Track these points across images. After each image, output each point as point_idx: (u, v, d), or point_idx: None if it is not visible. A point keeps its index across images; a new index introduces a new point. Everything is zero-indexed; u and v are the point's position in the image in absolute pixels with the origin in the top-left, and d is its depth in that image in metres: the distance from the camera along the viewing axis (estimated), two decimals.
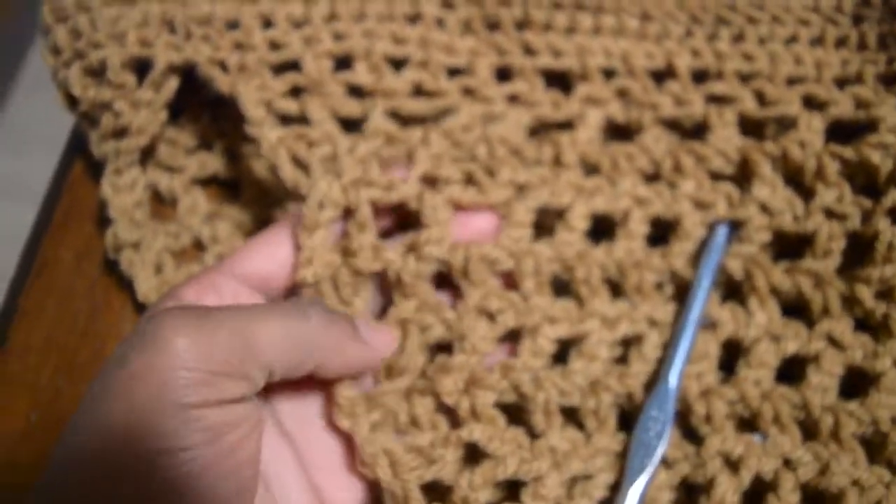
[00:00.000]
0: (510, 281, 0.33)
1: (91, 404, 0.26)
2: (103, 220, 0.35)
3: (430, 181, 0.33)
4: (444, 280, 0.33)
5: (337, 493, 0.30)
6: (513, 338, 0.32)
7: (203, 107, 0.38)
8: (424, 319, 0.31)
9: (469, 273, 0.31)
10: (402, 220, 0.34)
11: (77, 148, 0.38)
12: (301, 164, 0.34)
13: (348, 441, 0.30)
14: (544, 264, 0.33)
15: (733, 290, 0.35)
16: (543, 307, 0.32)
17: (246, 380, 0.26)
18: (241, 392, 0.26)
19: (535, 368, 0.31)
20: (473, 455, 0.30)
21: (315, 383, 0.31)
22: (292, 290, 0.32)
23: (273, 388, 0.30)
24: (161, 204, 0.38)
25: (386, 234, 0.33)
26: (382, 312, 0.33)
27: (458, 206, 0.33)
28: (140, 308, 0.35)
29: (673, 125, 0.37)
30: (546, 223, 0.34)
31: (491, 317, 0.31)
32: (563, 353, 0.33)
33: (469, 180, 0.33)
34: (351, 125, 0.36)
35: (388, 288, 0.32)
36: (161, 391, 0.25)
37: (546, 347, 0.32)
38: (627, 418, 0.33)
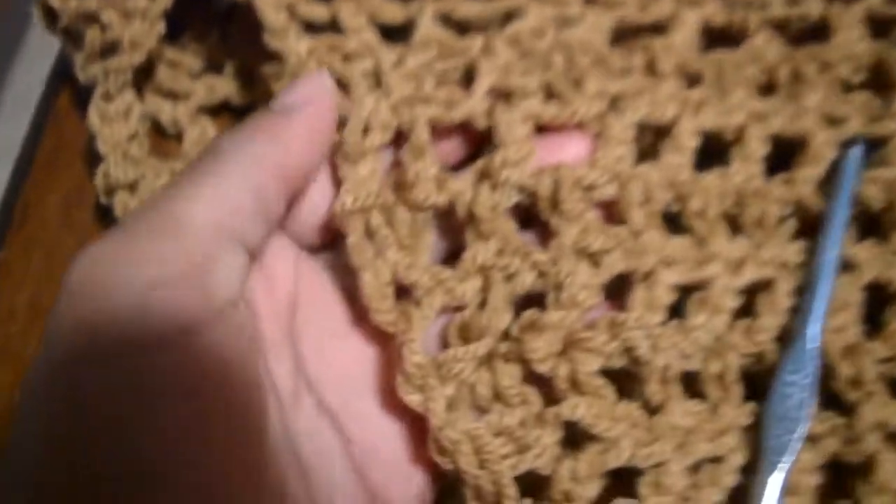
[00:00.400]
0: (613, 213, 0.26)
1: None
2: (94, 159, 0.29)
3: (502, 95, 0.26)
4: (529, 218, 0.26)
5: (391, 483, 0.24)
6: (617, 288, 0.26)
7: (210, 20, 0.32)
8: (510, 265, 0.25)
9: (561, 203, 0.25)
10: (471, 152, 0.27)
11: (62, 75, 0.32)
12: (336, 82, 0.27)
13: (409, 422, 0.24)
14: (655, 191, 0.26)
15: (872, 223, 0.29)
16: (658, 245, 0.25)
17: (197, 274, 0.20)
18: (203, 296, 0.20)
19: (651, 325, 0.24)
20: (575, 437, 0.24)
21: (365, 347, 0.25)
22: (329, 240, 0.26)
23: (309, 354, 0.24)
24: (163, 137, 0.32)
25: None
26: (450, 259, 0.26)
27: (539, 125, 0.26)
28: None
29: (784, 29, 0.31)
30: (643, 145, 0.28)
31: (593, 259, 0.25)
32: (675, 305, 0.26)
33: (549, 93, 0.27)
34: (393, 34, 0.29)
35: (457, 229, 0.26)
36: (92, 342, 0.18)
37: (663, 297, 0.25)
38: (754, 385, 0.27)
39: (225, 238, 0.21)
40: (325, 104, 0.24)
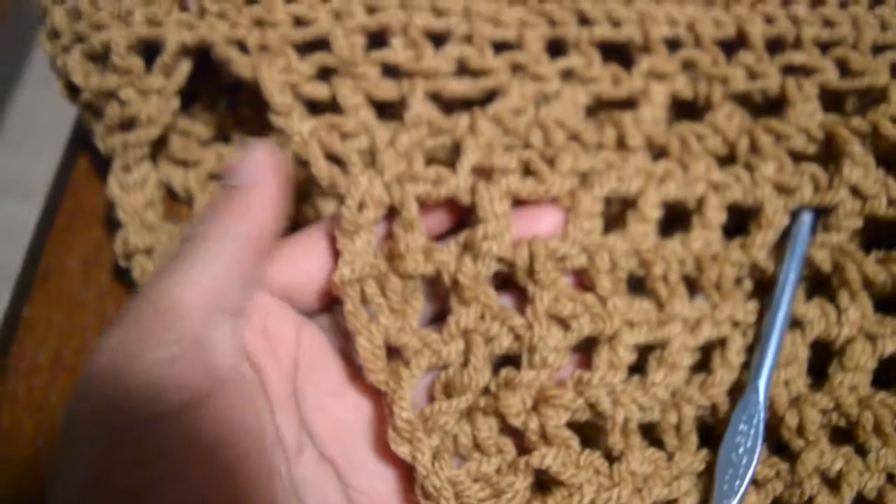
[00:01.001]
0: (582, 280, 0.29)
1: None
2: (112, 224, 0.32)
3: (483, 173, 0.29)
4: (505, 284, 0.29)
5: None
6: (584, 347, 0.28)
7: (219, 93, 0.35)
8: (490, 329, 0.27)
9: (536, 272, 0.28)
10: (455, 224, 0.30)
11: (80, 143, 0.35)
12: (335, 159, 0.30)
13: (401, 468, 0.27)
14: (621, 259, 0.29)
15: (820, 285, 0.31)
16: (622, 310, 0.28)
17: (200, 348, 0.22)
18: (206, 369, 0.22)
19: (613, 383, 0.27)
20: (544, 482, 0.27)
21: (360, 401, 0.28)
22: (326, 304, 0.28)
23: (310, 409, 0.27)
24: (175, 202, 0.34)
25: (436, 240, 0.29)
26: (434, 321, 0.29)
27: (517, 200, 0.29)
28: None
29: (746, 101, 0.34)
30: (611, 215, 0.31)
31: (564, 323, 0.27)
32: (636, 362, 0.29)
33: (526, 170, 0.29)
34: (386, 110, 0.32)
35: (441, 295, 0.29)
36: (109, 415, 0.21)
37: (625, 357, 0.28)
38: (708, 434, 0.29)
39: (215, 314, 0.24)
40: (272, 173, 0.27)
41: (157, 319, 0.22)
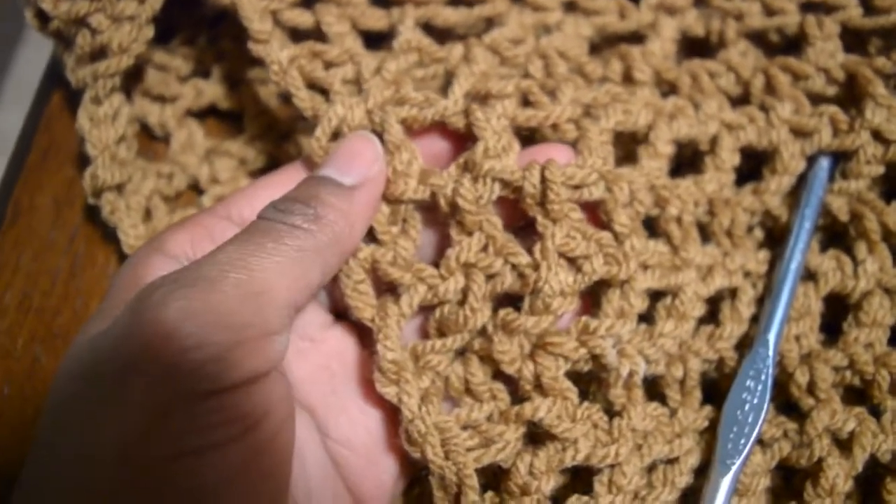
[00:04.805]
0: (597, 217, 0.26)
1: (68, 414, 0.21)
2: (85, 162, 0.30)
3: (478, 98, 0.27)
4: (510, 217, 0.26)
5: (365, 473, 0.25)
6: (590, 290, 0.26)
7: (199, 26, 0.32)
8: (492, 265, 0.25)
9: (549, 202, 0.25)
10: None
11: (55, 79, 0.33)
12: (318, 89, 0.28)
13: (385, 414, 0.25)
14: (639, 192, 0.26)
15: (836, 235, 0.29)
16: (639, 250, 0.26)
17: (268, 340, 0.21)
18: (266, 359, 0.21)
19: (620, 333, 0.25)
20: (538, 434, 0.25)
21: (343, 346, 0.26)
22: None
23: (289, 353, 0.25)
24: (151, 140, 0.32)
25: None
26: (437, 257, 0.26)
27: (516, 128, 0.26)
28: None
29: (762, 40, 0.31)
30: (622, 154, 0.28)
31: (575, 264, 0.25)
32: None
33: (525, 101, 0.27)
34: (375, 41, 0.30)
35: (441, 226, 0.26)
36: (166, 383, 0.20)
37: (637, 305, 0.26)
38: (713, 391, 0.28)
39: (292, 311, 0.23)
40: (381, 180, 0.25)
41: (243, 300, 0.21)
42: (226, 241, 0.23)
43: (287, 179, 0.26)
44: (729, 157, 0.29)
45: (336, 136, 0.26)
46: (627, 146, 0.29)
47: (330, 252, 0.23)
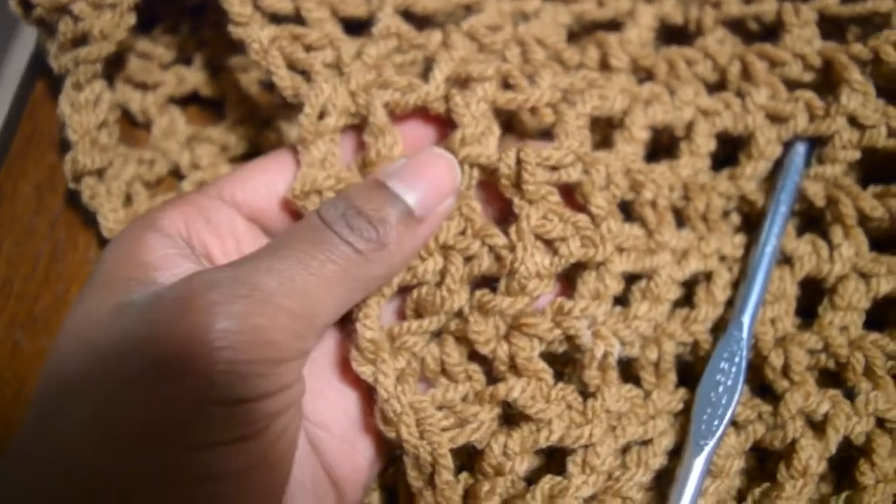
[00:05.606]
0: (573, 200, 0.26)
1: (81, 388, 0.21)
2: (67, 148, 0.30)
3: (459, 82, 0.27)
4: (487, 201, 0.26)
5: (343, 458, 0.25)
6: (566, 273, 0.26)
7: (181, 13, 0.33)
8: (470, 247, 0.25)
9: (525, 182, 0.25)
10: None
11: (39, 65, 0.33)
12: (298, 71, 0.28)
13: (362, 395, 0.25)
14: (615, 175, 0.26)
15: (812, 220, 0.30)
16: (615, 232, 0.26)
17: (303, 356, 0.22)
18: (296, 372, 0.22)
19: (595, 314, 0.25)
20: (513, 415, 0.25)
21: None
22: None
23: None
24: (133, 126, 0.33)
25: None
26: None
27: (496, 109, 0.27)
28: None
29: (740, 28, 0.32)
30: (595, 143, 0.28)
31: (551, 246, 0.25)
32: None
33: (505, 85, 0.27)
34: (354, 30, 0.30)
35: None
36: (200, 387, 0.20)
37: (612, 286, 0.26)
38: (688, 374, 0.28)
39: (321, 336, 0.23)
40: (445, 216, 0.25)
41: (289, 328, 0.21)
42: (283, 236, 0.23)
43: (279, 165, 0.26)
44: (704, 143, 0.29)
45: (322, 115, 0.26)
46: (604, 131, 0.29)
47: (376, 284, 0.24)
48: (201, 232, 0.24)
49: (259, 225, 0.26)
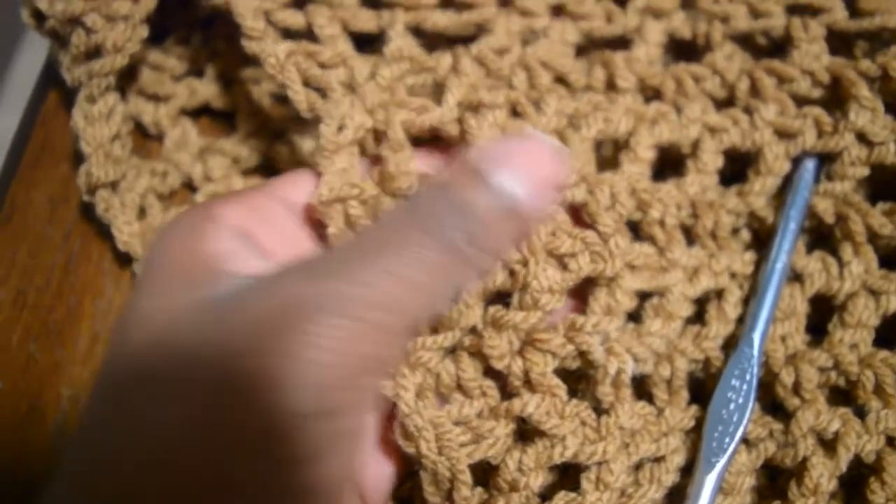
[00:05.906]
0: (581, 218, 0.27)
1: (177, 395, 0.20)
2: (80, 160, 0.30)
3: (470, 108, 0.27)
4: None
5: (364, 468, 0.25)
6: (581, 292, 0.26)
7: (193, 26, 0.33)
8: None
9: None
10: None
11: (52, 76, 0.33)
12: (313, 87, 0.28)
13: (383, 410, 0.25)
14: (620, 195, 0.26)
15: (822, 237, 0.30)
16: (624, 250, 0.26)
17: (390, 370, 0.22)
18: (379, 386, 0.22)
19: (607, 330, 0.25)
20: (528, 430, 0.25)
21: None
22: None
23: None
24: (145, 138, 0.33)
25: None
26: None
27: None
28: (122, 259, 0.30)
29: (748, 43, 0.32)
30: (605, 159, 0.29)
31: (562, 262, 0.25)
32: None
33: (514, 111, 0.28)
34: (363, 43, 0.30)
35: None
36: (284, 401, 0.19)
37: (624, 302, 0.26)
38: (700, 391, 0.28)
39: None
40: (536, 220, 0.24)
41: (374, 359, 0.21)
42: (386, 227, 0.22)
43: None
44: (711, 160, 0.29)
45: (340, 129, 0.26)
46: (613, 148, 0.29)
47: (462, 288, 0.24)
48: (256, 227, 0.24)
49: (309, 225, 0.26)
